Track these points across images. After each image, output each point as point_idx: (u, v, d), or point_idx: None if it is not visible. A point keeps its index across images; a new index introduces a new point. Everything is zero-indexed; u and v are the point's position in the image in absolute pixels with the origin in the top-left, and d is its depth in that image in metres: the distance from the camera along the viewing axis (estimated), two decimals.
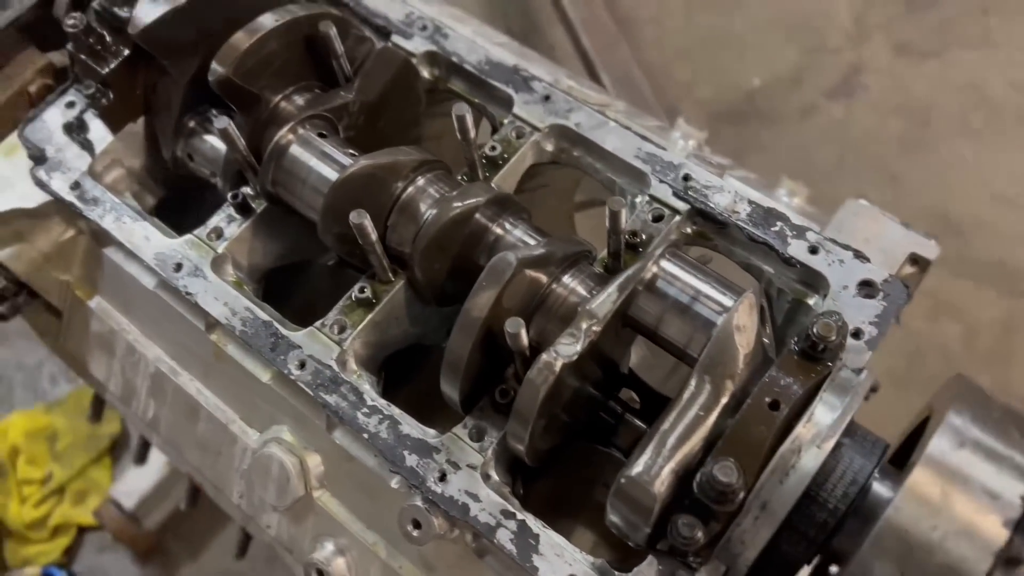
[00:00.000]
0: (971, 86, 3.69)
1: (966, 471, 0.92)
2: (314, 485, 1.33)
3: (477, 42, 1.54)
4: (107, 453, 3.25)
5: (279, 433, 1.34)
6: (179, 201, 1.66)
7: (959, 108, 3.65)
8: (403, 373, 1.52)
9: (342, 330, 1.30)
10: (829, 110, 3.73)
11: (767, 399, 1.04)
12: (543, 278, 1.22)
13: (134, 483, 2.97)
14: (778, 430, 1.03)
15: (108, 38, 1.41)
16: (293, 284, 1.63)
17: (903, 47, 3.81)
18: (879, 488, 1.04)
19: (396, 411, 1.25)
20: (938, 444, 0.94)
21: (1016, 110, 3.62)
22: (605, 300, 1.15)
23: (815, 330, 1.06)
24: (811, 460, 1.00)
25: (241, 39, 1.32)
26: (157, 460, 2.81)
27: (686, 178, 1.36)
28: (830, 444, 1.00)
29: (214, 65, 1.31)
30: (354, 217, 1.19)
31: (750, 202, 1.33)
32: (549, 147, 1.46)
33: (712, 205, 1.33)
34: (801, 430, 1.02)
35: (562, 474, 1.41)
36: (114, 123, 1.48)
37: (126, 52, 1.41)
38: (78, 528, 3.16)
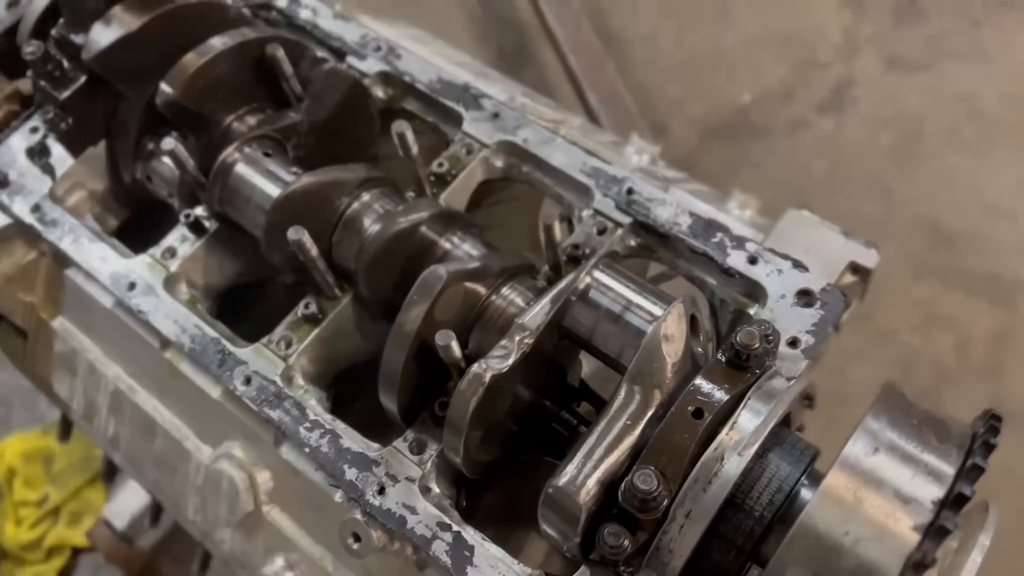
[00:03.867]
0: (962, 99, 3.68)
1: (880, 475, 0.92)
2: (263, 500, 1.34)
3: (431, 62, 1.57)
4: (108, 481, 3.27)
5: (230, 449, 1.36)
6: (148, 222, 1.69)
7: (950, 121, 3.64)
8: (364, 389, 1.54)
9: (288, 346, 1.32)
10: (820, 124, 3.72)
11: (691, 407, 1.04)
12: (481, 291, 1.23)
13: (126, 504, 2.98)
14: (702, 438, 1.03)
15: (66, 64, 1.45)
16: (254, 303, 1.65)
17: (893, 60, 3.81)
18: (807, 495, 1.04)
19: (340, 425, 1.27)
20: (853, 449, 0.94)
21: (1008, 122, 3.60)
22: (538, 312, 1.16)
23: (738, 338, 1.06)
24: (733, 467, 1.00)
25: (190, 61, 1.36)
26: None
27: (629, 191, 1.37)
28: (751, 451, 1.00)
29: (162, 87, 1.34)
30: (292, 233, 1.21)
31: (691, 214, 1.34)
32: (498, 163, 1.48)
33: (654, 218, 1.34)
34: (724, 437, 1.02)
35: (517, 485, 1.41)
36: (74, 147, 1.52)
37: (83, 78, 1.45)
38: (73, 549, 3.18)
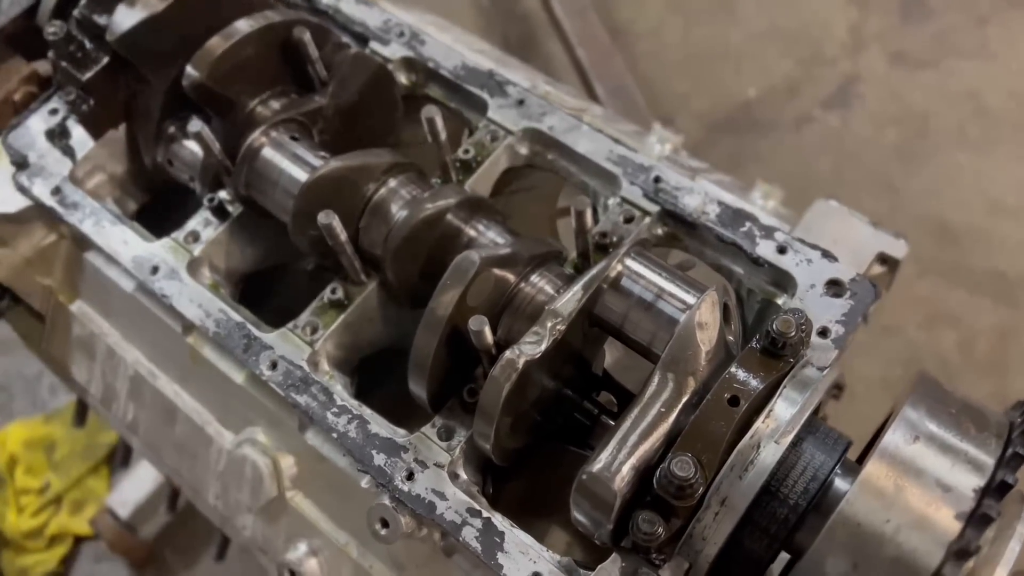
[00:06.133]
0: (968, 96, 3.69)
1: (920, 464, 0.92)
2: (287, 486, 1.34)
3: (454, 48, 1.56)
4: (104, 463, 3.25)
5: (253, 434, 1.35)
6: (165, 206, 1.68)
7: (956, 118, 3.65)
8: (384, 375, 1.54)
9: (314, 331, 1.32)
10: (825, 120, 3.73)
11: (727, 395, 1.04)
12: (510, 277, 1.23)
13: (129, 492, 2.97)
14: (737, 425, 1.03)
15: (88, 45, 1.44)
16: (274, 288, 1.64)
17: (899, 57, 3.81)
18: (840, 484, 1.04)
19: (366, 411, 1.26)
20: (892, 438, 0.94)
21: (1014, 120, 3.61)
22: (570, 299, 1.16)
23: (775, 326, 1.06)
24: (770, 455, 1.00)
25: (216, 44, 1.35)
26: (152, 470, 2.81)
27: (657, 180, 1.37)
28: (788, 439, 1.00)
29: (188, 69, 1.33)
30: (322, 218, 1.20)
31: (719, 203, 1.33)
32: (523, 150, 1.47)
33: (682, 206, 1.34)
34: (760, 425, 1.02)
35: (538, 474, 1.41)
36: (95, 129, 1.51)
37: (105, 59, 1.44)
38: (75, 538, 3.17)
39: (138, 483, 2.95)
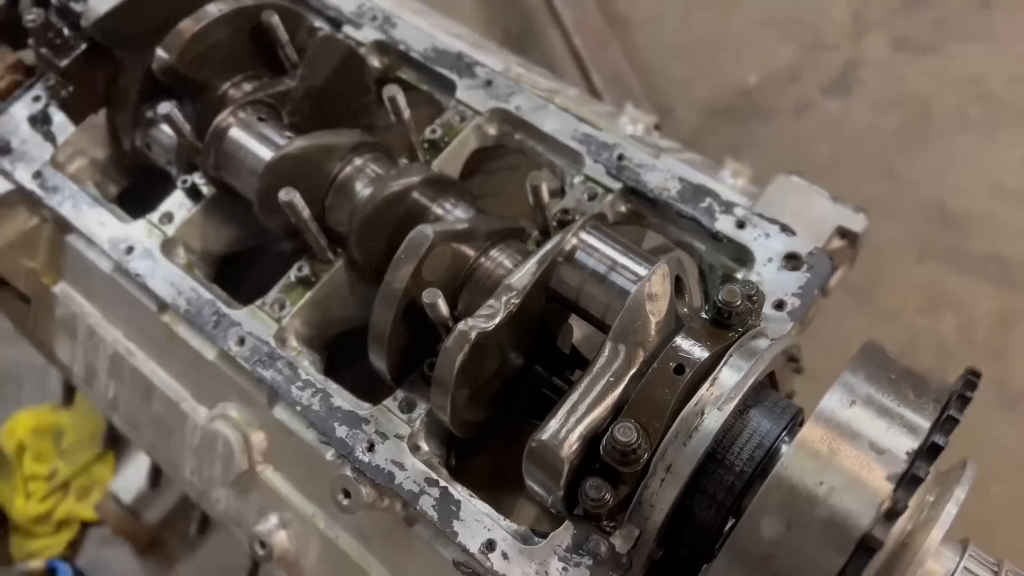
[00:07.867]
0: (970, 80, 3.65)
1: (855, 427, 0.93)
2: (258, 460, 1.37)
3: (426, 31, 1.58)
4: (111, 449, 3.31)
5: (225, 410, 1.38)
6: (148, 190, 1.71)
7: (958, 102, 3.62)
8: (361, 353, 1.56)
9: (282, 308, 1.34)
10: (826, 106, 3.71)
11: (672, 364, 1.06)
12: (469, 252, 1.25)
13: (134, 477, 3.03)
14: (683, 393, 1.04)
15: (66, 32, 1.47)
16: (255, 270, 1.67)
17: (901, 42, 3.79)
18: (787, 451, 1.05)
19: (332, 385, 1.29)
20: (829, 402, 0.95)
21: (1016, 103, 3.58)
22: (524, 273, 1.18)
23: (720, 297, 1.08)
24: (713, 421, 1.02)
25: (186, 27, 1.37)
26: None
27: (620, 157, 1.38)
28: (731, 406, 1.02)
29: (159, 52, 1.36)
30: (283, 195, 1.23)
31: (681, 179, 1.35)
32: (491, 131, 1.49)
33: (643, 183, 1.35)
34: (705, 393, 1.04)
35: (507, 450, 1.43)
36: (76, 115, 1.54)
37: (83, 46, 1.47)
38: (81, 523, 3.23)
39: (141, 469, 3.00)
